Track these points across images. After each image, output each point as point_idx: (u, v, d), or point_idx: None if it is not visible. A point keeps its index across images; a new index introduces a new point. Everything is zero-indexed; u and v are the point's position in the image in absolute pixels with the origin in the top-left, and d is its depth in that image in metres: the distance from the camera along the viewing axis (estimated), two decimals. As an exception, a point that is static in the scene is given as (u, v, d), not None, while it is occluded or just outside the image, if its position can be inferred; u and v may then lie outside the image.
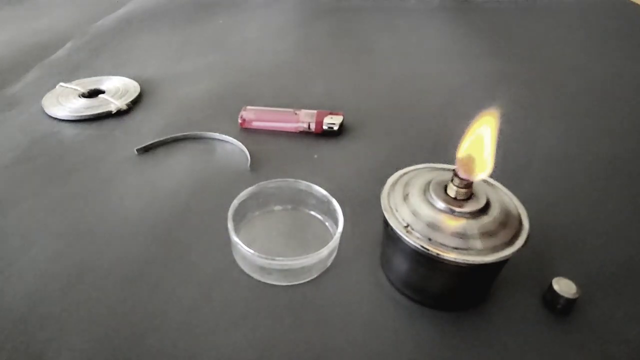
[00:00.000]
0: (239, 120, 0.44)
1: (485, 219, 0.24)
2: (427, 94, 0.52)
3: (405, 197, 0.26)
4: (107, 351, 0.24)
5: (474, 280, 0.26)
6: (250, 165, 0.38)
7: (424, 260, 0.25)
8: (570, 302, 0.26)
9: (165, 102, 0.49)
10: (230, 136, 0.42)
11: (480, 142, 0.24)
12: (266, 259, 0.27)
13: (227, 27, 0.72)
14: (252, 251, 0.27)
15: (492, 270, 0.26)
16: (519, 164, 0.40)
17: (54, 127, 0.45)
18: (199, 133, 0.42)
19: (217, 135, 0.42)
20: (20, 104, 0.49)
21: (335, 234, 0.29)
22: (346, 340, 0.25)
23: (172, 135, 0.41)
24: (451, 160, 0.25)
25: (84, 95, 0.49)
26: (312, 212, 0.33)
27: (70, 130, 0.44)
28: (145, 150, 0.40)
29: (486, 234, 0.24)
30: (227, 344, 0.25)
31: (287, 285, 0.28)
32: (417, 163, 0.30)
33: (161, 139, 0.41)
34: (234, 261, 0.30)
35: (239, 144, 0.40)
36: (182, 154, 0.41)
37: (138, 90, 0.50)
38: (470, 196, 0.25)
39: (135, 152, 0.40)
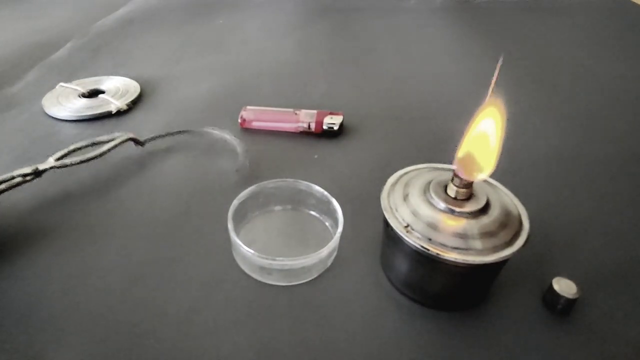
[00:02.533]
0: (239, 120, 0.44)
1: (485, 219, 0.24)
2: (427, 94, 0.52)
3: (405, 197, 0.26)
4: (107, 352, 0.24)
5: (474, 280, 0.26)
6: (238, 166, 0.38)
7: (424, 260, 0.25)
8: (570, 302, 0.26)
9: (165, 102, 0.49)
10: (228, 134, 0.42)
11: (482, 140, 0.24)
12: (266, 259, 0.27)
13: (227, 27, 0.72)
14: (252, 251, 0.27)
15: (492, 270, 0.26)
16: (519, 164, 0.40)
17: (54, 127, 0.45)
18: (195, 129, 0.42)
19: (214, 131, 0.42)
20: (20, 104, 0.49)
21: (335, 234, 0.29)
22: (346, 340, 0.25)
23: (168, 132, 0.42)
24: (451, 160, 0.25)
25: (84, 96, 0.49)
26: (312, 212, 0.33)
27: (71, 131, 0.44)
28: (140, 144, 0.40)
29: (486, 234, 0.24)
30: (227, 344, 0.25)
31: (287, 285, 0.28)
32: (417, 163, 0.30)
33: (155, 135, 0.42)
34: (234, 261, 0.30)
35: (233, 138, 0.40)
36: (182, 154, 0.41)
37: (138, 90, 0.50)
38: (470, 196, 0.25)
39: (134, 145, 0.40)
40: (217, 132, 0.42)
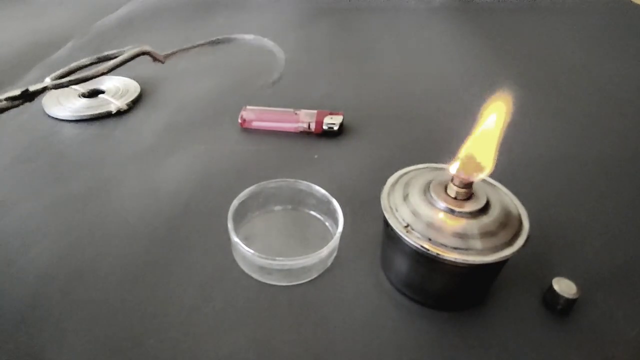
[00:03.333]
0: (239, 120, 0.44)
1: (485, 219, 0.24)
2: (427, 94, 0.52)
3: (405, 197, 0.26)
4: (107, 351, 0.24)
5: (474, 280, 0.26)
6: (275, 77, 0.32)
7: (424, 261, 0.25)
8: (570, 302, 0.26)
9: (166, 102, 0.49)
10: (267, 40, 0.36)
11: (483, 139, 0.24)
12: (266, 259, 0.27)
13: (227, 27, 0.72)
14: (252, 251, 0.27)
15: (492, 270, 0.26)
16: (519, 164, 0.40)
17: (54, 127, 0.45)
18: (226, 37, 0.36)
19: (248, 36, 0.36)
20: (20, 104, 0.49)
21: (335, 234, 0.29)
22: (346, 340, 0.25)
23: (194, 44, 0.35)
24: (451, 160, 0.25)
25: (84, 95, 0.49)
26: (312, 212, 0.33)
27: (71, 130, 0.44)
28: (158, 59, 0.34)
29: (486, 234, 0.24)
30: (227, 344, 0.25)
31: (287, 285, 0.28)
32: (417, 163, 0.30)
33: (186, 46, 0.35)
34: (234, 261, 0.30)
35: (270, 42, 0.35)
36: (183, 154, 0.41)
37: (138, 90, 0.50)
38: (470, 196, 0.25)
39: (162, 62, 0.33)
40: (251, 38, 0.36)
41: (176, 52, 0.33)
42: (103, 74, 0.28)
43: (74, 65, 0.29)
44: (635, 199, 0.36)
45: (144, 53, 0.31)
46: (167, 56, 0.33)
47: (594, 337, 0.26)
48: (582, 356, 0.25)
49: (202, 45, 0.33)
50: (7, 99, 0.27)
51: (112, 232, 0.32)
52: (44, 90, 0.28)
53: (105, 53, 0.29)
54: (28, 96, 0.27)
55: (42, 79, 0.53)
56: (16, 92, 0.27)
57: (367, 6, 0.82)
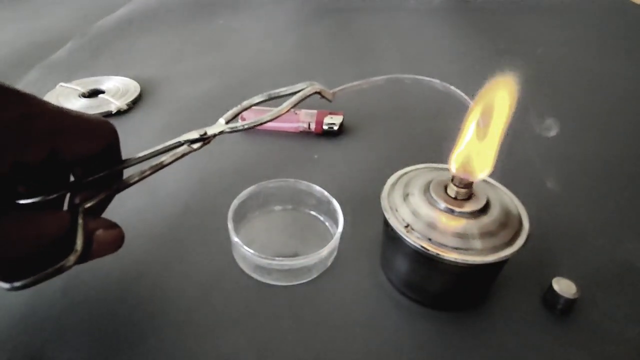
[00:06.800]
0: (239, 120, 0.44)
1: (485, 219, 0.24)
2: (427, 94, 0.52)
3: (405, 197, 0.26)
4: (107, 352, 0.24)
5: (474, 280, 0.26)
6: None
7: (424, 260, 0.25)
8: (570, 303, 0.26)
9: (165, 102, 0.49)
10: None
11: (481, 135, 0.24)
12: (266, 259, 0.27)
13: (227, 27, 0.72)
14: (252, 251, 0.27)
15: (492, 270, 0.26)
16: (519, 164, 0.40)
17: (54, 127, 0.45)
18: (406, 76, 0.35)
19: (432, 80, 0.35)
20: (20, 104, 0.49)
21: (335, 234, 0.29)
22: (346, 340, 0.25)
23: (372, 79, 0.33)
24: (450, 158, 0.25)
25: (84, 95, 0.49)
26: (312, 212, 0.33)
27: (71, 130, 0.44)
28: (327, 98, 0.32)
29: (486, 234, 0.24)
30: (227, 344, 0.25)
31: (287, 285, 0.28)
32: (417, 163, 0.30)
33: (356, 82, 0.32)
34: (234, 261, 0.30)
35: (459, 92, 0.33)
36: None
37: (138, 90, 0.50)
38: (470, 196, 0.25)
39: (330, 100, 0.32)
40: (437, 82, 0.34)
41: (344, 88, 0.32)
42: (278, 116, 0.27)
43: (245, 103, 0.29)
44: (636, 199, 0.36)
45: (316, 93, 0.30)
46: (335, 93, 0.32)
47: (594, 337, 0.26)
48: (582, 356, 0.25)
49: (376, 81, 0.32)
50: (186, 142, 0.27)
51: (112, 232, 0.32)
52: (220, 133, 0.27)
53: (276, 91, 0.29)
54: (205, 139, 0.27)
55: (42, 80, 0.54)
56: (194, 134, 0.27)
57: (367, 6, 0.82)
